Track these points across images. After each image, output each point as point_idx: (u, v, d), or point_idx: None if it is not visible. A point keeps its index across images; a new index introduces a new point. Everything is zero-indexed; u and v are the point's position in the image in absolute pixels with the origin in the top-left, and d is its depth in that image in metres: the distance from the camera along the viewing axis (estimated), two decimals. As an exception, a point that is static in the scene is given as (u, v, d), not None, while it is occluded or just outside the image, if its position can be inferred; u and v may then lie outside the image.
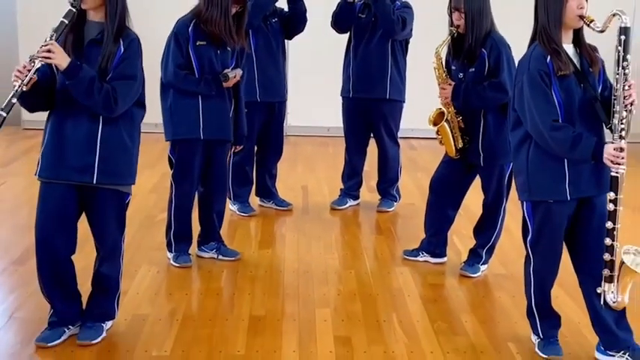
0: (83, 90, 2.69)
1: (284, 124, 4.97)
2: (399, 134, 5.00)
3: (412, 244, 4.13)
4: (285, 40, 4.81)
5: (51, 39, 2.66)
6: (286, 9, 4.73)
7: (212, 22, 3.62)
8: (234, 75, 3.76)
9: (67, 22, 2.70)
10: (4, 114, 2.59)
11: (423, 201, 4.07)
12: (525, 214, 2.92)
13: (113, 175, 2.85)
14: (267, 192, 4.95)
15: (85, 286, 3.08)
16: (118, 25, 2.77)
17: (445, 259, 4.02)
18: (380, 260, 4.09)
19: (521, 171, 2.89)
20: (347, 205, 5.04)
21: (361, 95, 4.84)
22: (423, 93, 4.64)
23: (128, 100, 2.80)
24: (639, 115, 2.87)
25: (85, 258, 3.14)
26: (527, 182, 2.86)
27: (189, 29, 3.67)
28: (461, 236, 4.32)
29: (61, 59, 2.66)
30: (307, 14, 4.71)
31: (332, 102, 5.21)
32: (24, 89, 2.61)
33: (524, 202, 2.91)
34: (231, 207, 4.79)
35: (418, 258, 4.03)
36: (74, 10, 2.71)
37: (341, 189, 5.11)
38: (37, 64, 2.63)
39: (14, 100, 2.60)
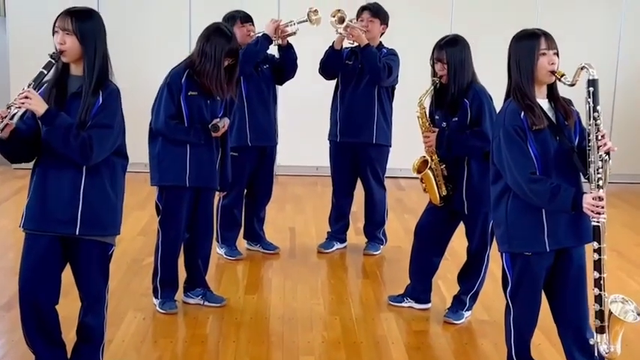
0: (60, 136, 2.70)
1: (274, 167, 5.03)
2: (387, 174, 5.06)
3: (398, 288, 4.16)
4: (276, 86, 4.89)
5: (28, 87, 2.69)
6: (277, 56, 4.82)
7: (204, 74, 3.69)
8: (223, 125, 3.83)
9: (45, 72, 2.74)
10: None
11: (409, 243, 4.09)
12: (505, 266, 2.96)
13: (96, 226, 2.87)
14: (255, 235, 4.98)
15: (69, 334, 3.09)
16: (97, 79, 2.78)
17: (429, 304, 4.04)
18: (365, 306, 4.11)
19: (500, 223, 2.93)
20: (334, 249, 5.07)
21: (348, 139, 4.90)
22: (412, 133, 4.69)
23: (105, 148, 2.80)
24: (621, 157, 2.91)
25: (68, 306, 3.14)
26: (507, 234, 2.90)
27: (182, 80, 3.74)
28: (446, 280, 4.35)
29: (38, 105, 2.67)
30: (297, 61, 4.78)
31: (320, 141, 5.24)
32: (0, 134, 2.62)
33: (504, 254, 2.96)
34: (218, 250, 4.81)
35: (403, 304, 4.05)
36: (53, 61, 2.76)
37: (328, 232, 5.15)
38: (14, 111, 2.66)
39: None
